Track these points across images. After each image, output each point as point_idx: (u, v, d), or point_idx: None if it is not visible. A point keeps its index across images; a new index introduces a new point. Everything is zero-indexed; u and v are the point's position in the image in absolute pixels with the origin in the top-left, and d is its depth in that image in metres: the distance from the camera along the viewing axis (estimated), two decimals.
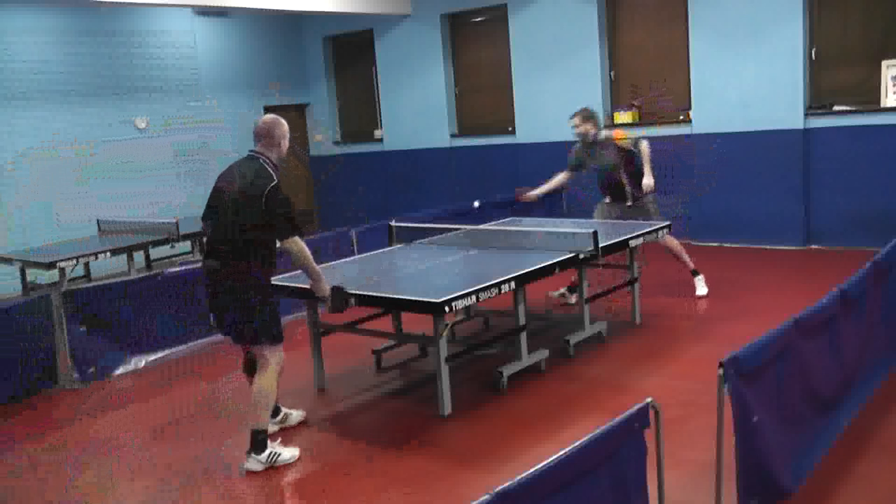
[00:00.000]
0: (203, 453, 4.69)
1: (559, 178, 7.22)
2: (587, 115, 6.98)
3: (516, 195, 7.39)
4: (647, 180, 6.76)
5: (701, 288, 7.17)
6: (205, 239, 4.61)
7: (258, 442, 4.37)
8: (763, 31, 8.82)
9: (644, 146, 6.84)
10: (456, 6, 11.57)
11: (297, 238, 4.31)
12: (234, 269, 4.33)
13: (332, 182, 13.69)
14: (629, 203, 7.01)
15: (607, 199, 7.20)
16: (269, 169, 4.36)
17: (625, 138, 6.95)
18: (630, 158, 6.90)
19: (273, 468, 4.37)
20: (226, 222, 4.34)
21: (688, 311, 6.77)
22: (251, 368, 4.60)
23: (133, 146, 11.00)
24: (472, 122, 11.91)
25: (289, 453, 4.48)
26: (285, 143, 4.51)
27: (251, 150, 4.48)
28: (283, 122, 4.53)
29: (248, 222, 4.26)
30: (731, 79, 9.12)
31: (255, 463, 4.37)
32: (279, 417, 4.92)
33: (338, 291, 4.66)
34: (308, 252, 4.38)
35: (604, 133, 7.02)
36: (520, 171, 10.80)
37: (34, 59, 10.22)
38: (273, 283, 5.18)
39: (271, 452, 4.40)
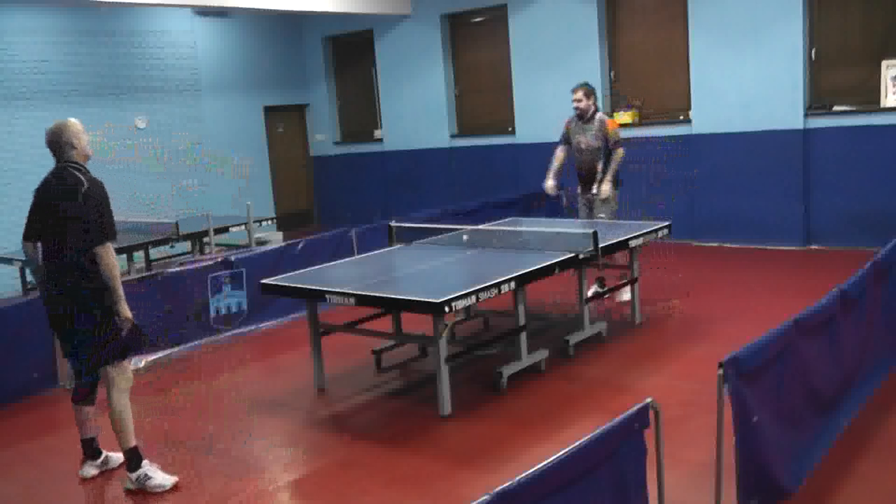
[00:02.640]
0: (202, 453, 4.69)
1: (559, 156, 7.21)
2: (589, 91, 7.01)
3: (543, 197, 7.29)
4: (605, 186, 6.83)
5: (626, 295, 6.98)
6: (39, 259, 4.33)
7: (131, 460, 4.24)
8: (763, 31, 8.82)
9: (619, 153, 6.88)
10: (456, 6, 11.57)
11: (108, 245, 4.07)
12: (70, 285, 4.11)
13: (332, 182, 13.70)
14: (594, 191, 7.03)
15: (579, 189, 7.23)
16: (77, 174, 4.15)
17: (616, 129, 6.98)
18: (608, 151, 6.94)
19: (144, 491, 4.20)
20: (54, 238, 4.16)
21: (688, 311, 6.77)
22: (85, 397, 4.40)
23: (133, 146, 11.01)
24: (471, 122, 11.91)
25: (160, 479, 4.24)
26: (81, 142, 4.24)
27: (56, 164, 4.25)
28: (69, 123, 4.26)
29: (71, 232, 4.08)
30: (731, 79, 9.12)
31: (129, 482, 4.27)
32: (100, 460, 4.52)
33: (136, 326, 4.24)
34: (116, 264, 4.11)
35: (599, 115, 7.02)
36: (520, 171, 10.80)
37: (34, 59, 10.22)
38: (269, 283, 5.17)
39: (141, 474, 4.23)
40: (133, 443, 4.27)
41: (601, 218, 6.98)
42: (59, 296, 4.18)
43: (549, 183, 7.18)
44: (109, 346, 4.18)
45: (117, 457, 4.51)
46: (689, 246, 9.36)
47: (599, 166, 6.96)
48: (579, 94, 6.97)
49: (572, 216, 7.74)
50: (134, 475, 4.23)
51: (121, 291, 4.12)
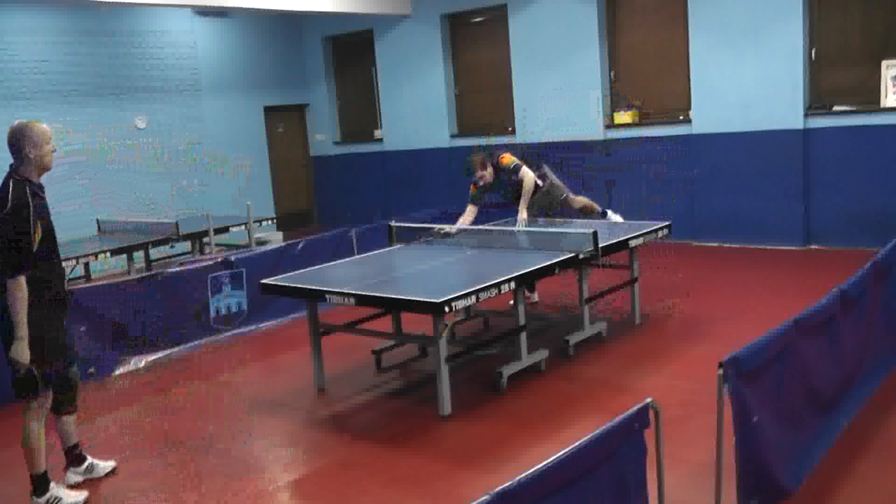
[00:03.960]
0: (202, 453, 4.69)
1: (470, 214, 6.85)
2: (484, 162, 6.78)
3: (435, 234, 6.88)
4: (522, 215, 6.71)
5: (616, 216, 7.08)
6: None
7: (37, 485, 4.10)
8: (763, 31, 8.82)
9: (525, 179, 6.72)
10: (456, 6, 11.58)
11: (19, 279, 3.73)
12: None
13: (332, 182, 13.70)
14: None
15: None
16: (10, 189, 3.81)
17: (507, 163, 6.77)
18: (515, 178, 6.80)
19: None
20: None
21: (688, 311, 6.77)
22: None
23: (133, 146, 11.02)
24: (472, 122, 11.91)
25: (72, 498, 4.15)
26: (39, 152, 3.91)
27: (9, 165, 3.95)
28: (33, 128, 3.93)
29: None
30: (731, 79, 9.12)
31: (74, 475, 4.31)
32: (84, 466, 4.43)
33: (30, 373, 3.93)
34: (23, 301, 3.76)
35: (490, 170, 6.77)
36: None
37: (34, 59, 10.22)
38: (269, 283, 5.16)
39: (51, 496, 4.11)
40: (42, 468, 4.09)
41: None
42: None
43: (451, 228, 6.75)
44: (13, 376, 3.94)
45: (105, 465, 4.47)
46: (689, 246, 9.36)
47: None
48: (479, 172, 6.73)
49: (573, 216, 7.68)
50: (42, 499, 4.08)
51: (23, 331, 3.78)
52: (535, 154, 9.65)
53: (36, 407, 4.04)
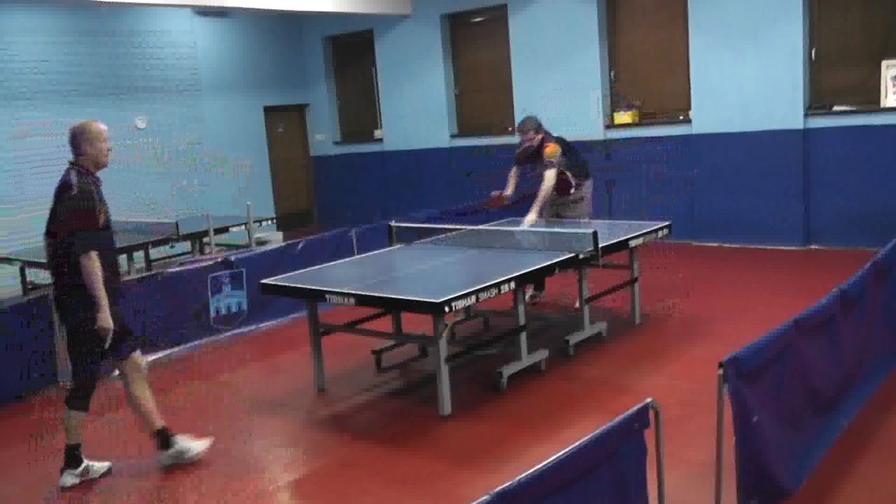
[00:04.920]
0: (202, 453, 4.68)
1: (513, 177, 7.06)
2: (538, 125, 6.85)
3: (487, 202, 7.12)
4: (530, 216, 6.59)
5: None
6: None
7: (161, 440, 4.48)
8: (763, 31, 8.82)
9: (547, 178, 6.62)
10: (456, 6, 11.58)
11: (91, 254, 4.09)
12: (64, 285, 4.23)
13: (332, 182, 13.70)
14: (561, 199, 6.96)
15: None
16: (75, 178, 4.21)
17: (550, 155, 6.70)
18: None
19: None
20: (50, 237, 4.30)
21: (688, 311, 6.77)
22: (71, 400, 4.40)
23: (133, 146, 11.01)
24: (472, 122, 11.91)
25: (196, 447, 4.52)
26: (93, 149, 4.29)
27: (69, 160, 4.34)
28: (91, 126, 4.32)
29: (59, 235, 4.19)
30: (731, 79, 9.12)
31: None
32: (80, 469, 4.43)
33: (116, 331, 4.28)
34: (98, 274, 4.11)
35: (540, 136, 6.83)
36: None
37: (34, 59, 10.22)
38: (269, 283, 5.17)
39: (86, 466, 4.38)
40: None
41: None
42: (56, 291, 4.33)
43: (506, 192, 6.98)
44: (89, 347, 4.25)
45: (99, 466, 4.48)
46: (689, 246, 9.36)
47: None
48: (529, 134, 6.81)
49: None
50: (171, 451, 4.45)
51: (104, 300, 4.13)
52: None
53: (131, 373, 4.43)
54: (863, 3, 8.56)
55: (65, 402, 4.36)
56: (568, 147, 6.93)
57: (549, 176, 6.64)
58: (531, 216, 6.63)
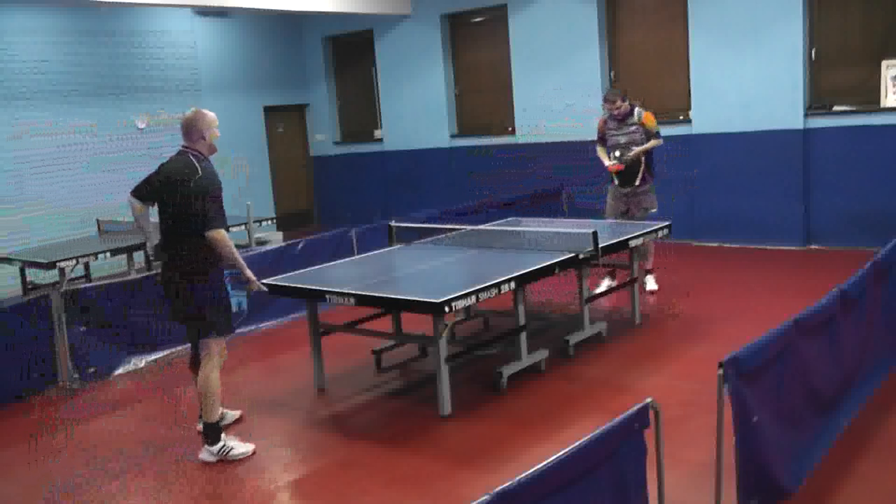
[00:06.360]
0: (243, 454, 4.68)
1: (601, 151, 7.33)
2: (624, 95, 7.21)
3: (611, 167, 7.25)
4: (630, 152, 7.00)
5: (652, 284, 7.37)
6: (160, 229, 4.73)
7: (211, 434, 4.50)
8: (763, 31, 8.82)
9: (654, 143, 7.07)
10: (456, 6, 11.58)
11: (219, 229, 4.37)
12: (180, 260, 4.49)
13: (332, 182, 13.70)
14: (629, 188, 7.12)
15: (616, 182, 7.23)
16: (195, 161, 4.43)
17: (653, 122, 7.11)
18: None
19: (226, 461, 4.47)
20: (166, 216, 4.55)
21: (688, 311, 6.77)
22: (197, 364, 4.65)
23: (133, 145, 11.01)
24: (472, 122, 11.91)
25: (242, 448, 4.54)
26: (210, 135, 4.54)
27: (181, 146, 4.56)
28: (206, 114, 4.58)
29: (180, 214, 4.41)
30: (731, 79, 9.12)
31: (208, 454, 4.48)
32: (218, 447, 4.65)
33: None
34: (230, 243, 4.44)
35: (637, 109, 7.19)
36: (520, 170, 10.79)
37: (34, 59, 10.22)
38: (269, 283, 5.21)
39: (223, 445, 4.50)
40: (217, 415, 4.53)
41: (636, 217, 7.06)
42: (172, 267, 4.55)
43: (612, 162, 7.20)
44: (214, 319, 4.50)
45: (232, 413, 4.84)
46: (689, 246, 9.36)
47: (642, 160, 7.09)
48: (618, 102, 7.12)
49: (573, 216, 7.73)
50: (215, 447, 4.48)
51: (243, 263, 4.52)
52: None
53: (216, 354, 4.55)
54: (863, 3, 8.56)
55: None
56: None
57: (656, 143, 7.09)
58: (630, 152, 6.99)
